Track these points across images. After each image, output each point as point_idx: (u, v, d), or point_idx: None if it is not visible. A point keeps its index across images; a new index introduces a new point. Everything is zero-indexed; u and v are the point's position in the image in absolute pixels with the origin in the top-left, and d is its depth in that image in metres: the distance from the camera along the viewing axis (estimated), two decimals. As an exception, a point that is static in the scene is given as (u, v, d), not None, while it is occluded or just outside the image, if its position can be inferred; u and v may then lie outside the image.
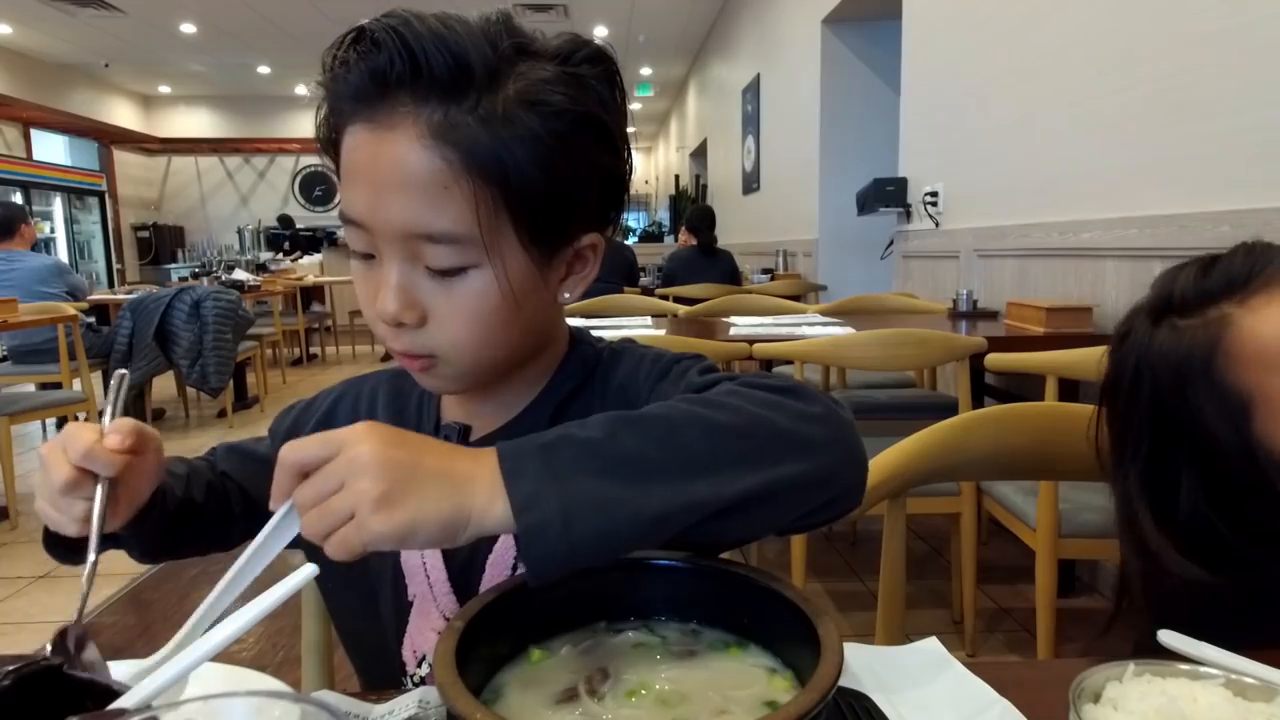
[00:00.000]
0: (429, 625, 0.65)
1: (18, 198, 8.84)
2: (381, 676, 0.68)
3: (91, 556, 0.55)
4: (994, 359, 1.91)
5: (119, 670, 0.45)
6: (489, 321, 0.59)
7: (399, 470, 0.43)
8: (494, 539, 0.65)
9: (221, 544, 0.73)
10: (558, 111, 0.55)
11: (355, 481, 0.43)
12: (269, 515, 0.49)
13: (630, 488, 0.45)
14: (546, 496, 0.44)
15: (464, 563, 0.65)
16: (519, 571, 0.63)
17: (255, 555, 0.48)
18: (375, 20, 0.55)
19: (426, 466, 0.45)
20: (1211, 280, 0.70)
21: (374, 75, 0.54)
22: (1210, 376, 0.67)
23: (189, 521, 0.68)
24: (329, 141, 0.60)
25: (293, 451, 0.45)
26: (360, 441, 0.44)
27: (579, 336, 0.72)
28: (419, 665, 0.66)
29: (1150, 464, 0.73)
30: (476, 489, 0.45)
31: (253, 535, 0.48)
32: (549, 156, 0.55)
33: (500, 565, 0.64)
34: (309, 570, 0.42)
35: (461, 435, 0.67)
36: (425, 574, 0.66)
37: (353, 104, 0.56)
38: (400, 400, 0.74)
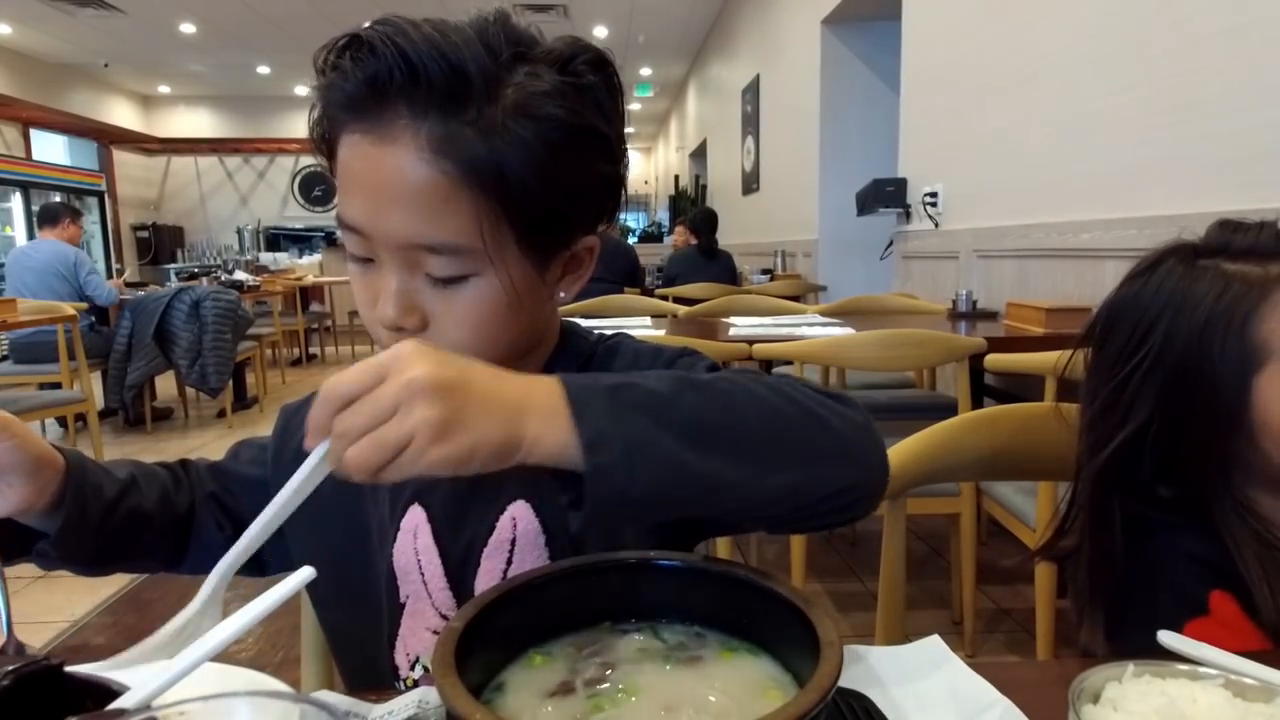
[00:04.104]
0: (423, 625, 0.65)
1: (17, 198, 8.84)
2: (372, 683, 0.68)
3: None
4: (993, 359, 1.91)
5: (120, 670, 0.45)
6: (489, 325, 0.59)
7: (455, 394, 0.42)
8: (489, 532, 0.65)
9: (174, 557, 0.69)
10: (557, 124, 0.55)
11: (412, 408, 0.41)
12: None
13: (691, 450, 0.45)
14: (613, 439, 0.43)
15: (460, 558, 0.65)
16: (513, 570, 0.64)
17: (288, 501, 0.46)
18: (371, 28, 0.54)
19: (479, 390, 0.43)
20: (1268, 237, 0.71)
21: (371, 84, 0.54)
22: (1245, 324, 0.68)
23: (133, 529, 0.65)
24: (323, 141, 0.60)
25: (337, 383, 0.42)
26: (410, 364, 0.42)
27: (569, 329, 0.73)
28: (412, 668, 0.65)
29: (1126, 405, 0.74)
30: (530, 416, 0.44)
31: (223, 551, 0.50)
32: (547, 167, 0.55)
33: (496, 559, 0.64)
34: (307, 573, 0.42)
35: None
36: (420, 571, 0.65)
37: (347, 111, 0.56)
38: None
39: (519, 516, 0.65)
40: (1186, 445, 0.72)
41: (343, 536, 0.70)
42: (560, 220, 0.59)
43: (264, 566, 0.73)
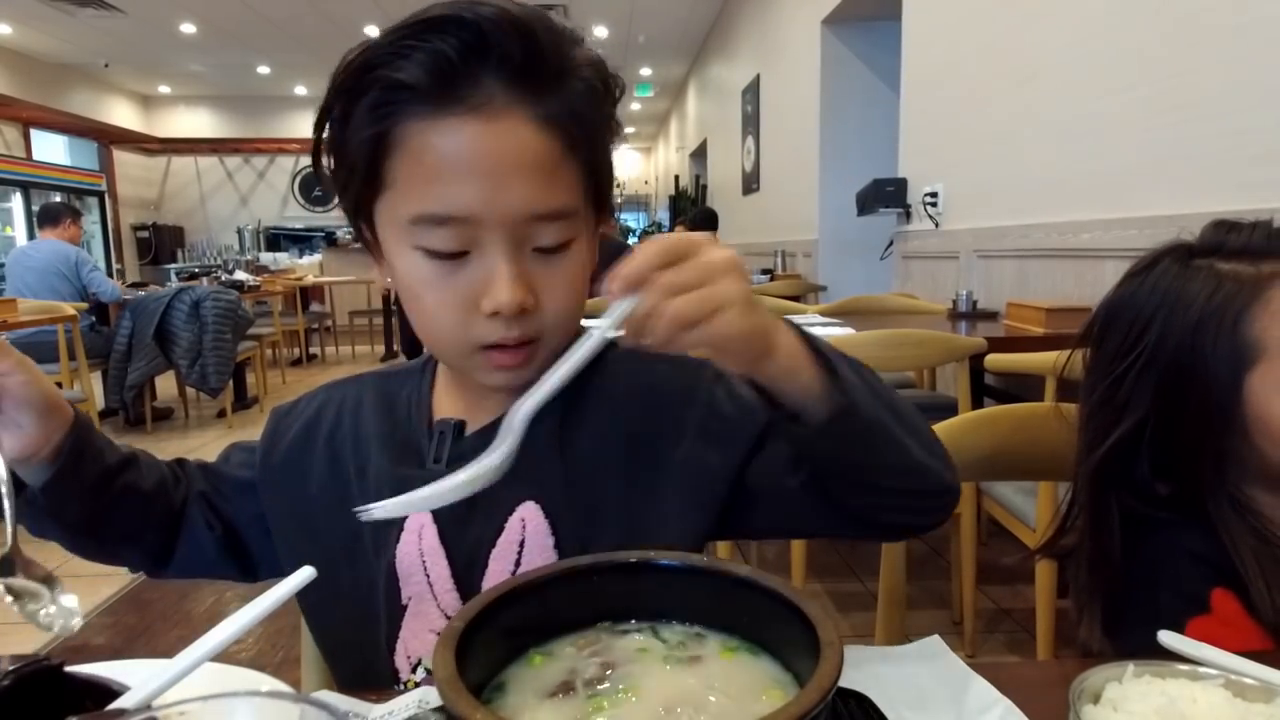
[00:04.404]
0: (426, 627, 0.64)
1: (17, 198, 8.84)
2: (368, 687, 0.67)
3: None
4: (994, 360, 1.91)
5: (119, 670, 0.45)
6: (582, 291, 0.63)
7: (748, 281, 0.49)
8: (497, 533, 0.64)
9: (161, 553, 0.69)
10: (611, 99, 0.62)
11: (728, 279, 0.46)
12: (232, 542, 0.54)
13: (875, 398, 0.55)
14: (842, 366, 0.54)
15: (467, 559, 0.64)
16: (520, 570, 0.64)
17: (588, 344, 0.48)
18: (450, 5, 0.55)
19: None
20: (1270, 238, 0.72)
21: (464, 61, 0.54)
22: (1237, 322, 0.69)
23: (125, 504, 0.64)
24: (369, 141, 0.56)
25: (664, 242, 0.47)
26: (713, 248, 0.47)
27: None
28: (413, 670, 0.65)
29: (1121, 402, 0.75)
30: (780, 331, 0.51)
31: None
32: (608, 136, 0.62)
33: (504, 560, 0.64)
34: (307, 573, 0.42)
35: (456, 431, 0.68)
36: (425, 572, 0.65)
37: (429, 97, 0.54)
38: (388, 400, 0.73)
39: (528, 517, 0.65)
40: (1181, 442, 0.73)
41: (332, 538, 0.68)
42: (607, 189, 0.65)
43: (255, 571, 0.73)
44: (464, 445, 0.67)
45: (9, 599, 0.49)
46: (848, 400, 0.52)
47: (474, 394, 0.69)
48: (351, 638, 0.69)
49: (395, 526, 0.66)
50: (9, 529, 0.52)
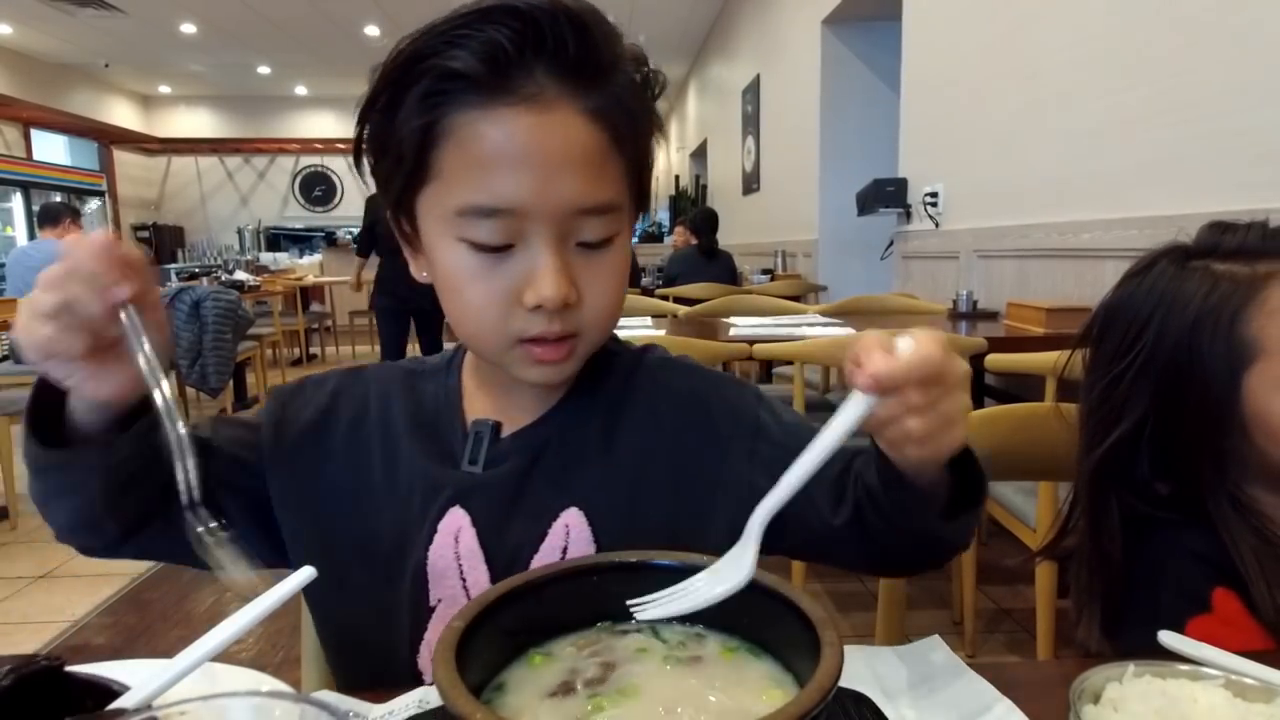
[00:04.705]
0: None
1: (18, 198, 8.85)
2: (377, 688, 0.66)
3: (162, 384, 0.50)
4: (994, 360, 1.91)
5: (120, 670, 0.45)
6: (622, 288, 0.63)
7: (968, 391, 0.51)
8: (539, 539, 0.64)
9: (163, 530, 0.61)
10: (653, 94, 0.62)
11: (957, 396, 0.49)
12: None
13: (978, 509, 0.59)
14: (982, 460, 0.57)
15: (507, 563, 0.63)
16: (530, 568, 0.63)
17: (831, 445, 0.47)
18: None
19: None
20: (1278, 240, 0.72)
21: (519, 47, 0.54)
22: (1233, 322, 0.69)
23: (154, 478, 0.57)
24: (418, 131, 0.55)
25: (920, 353, 0.47)
26: (956, 362, 0.48)
27: None
28: None
29: (1123, 401, 0.75)
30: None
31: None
32: (651, 131, 0.62)
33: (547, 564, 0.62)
34: (307, 573, 0.42)
35: (494, 431, 0.67)
36: (460, 575, 0.64)
37: (481, 86, 0.54)
38: (415, 394, 0.71)
39: (571, 524, 0.64)
40: (1181, 442, 0.73)
41: (349, 531, 0.67)
42: (649, 184, 0.65)
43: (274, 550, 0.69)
44: (501, 448, 0.66)
45: (210, 540, 0.48)
46: (963, 495, 0.56)
47: (507, 394, 0.68)
48: (365, 636, 0.67)
49: (427, 527, 0.65)
50: (191, 479, 0.50)
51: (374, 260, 4.75)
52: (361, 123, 0.60)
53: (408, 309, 4.52)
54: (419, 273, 0.64)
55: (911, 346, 0.47)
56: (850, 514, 0.63)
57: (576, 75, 0.56)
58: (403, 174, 0.58)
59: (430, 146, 0.56)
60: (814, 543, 0.66)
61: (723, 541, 0.65)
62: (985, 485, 0.57)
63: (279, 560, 0.68)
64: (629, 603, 0.48)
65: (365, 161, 0.61)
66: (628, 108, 0.59)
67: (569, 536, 0.64)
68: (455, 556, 0.64)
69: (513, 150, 0.54)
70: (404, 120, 0.56)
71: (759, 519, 0.49)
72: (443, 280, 0.60)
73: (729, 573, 0.47)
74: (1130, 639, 0.70)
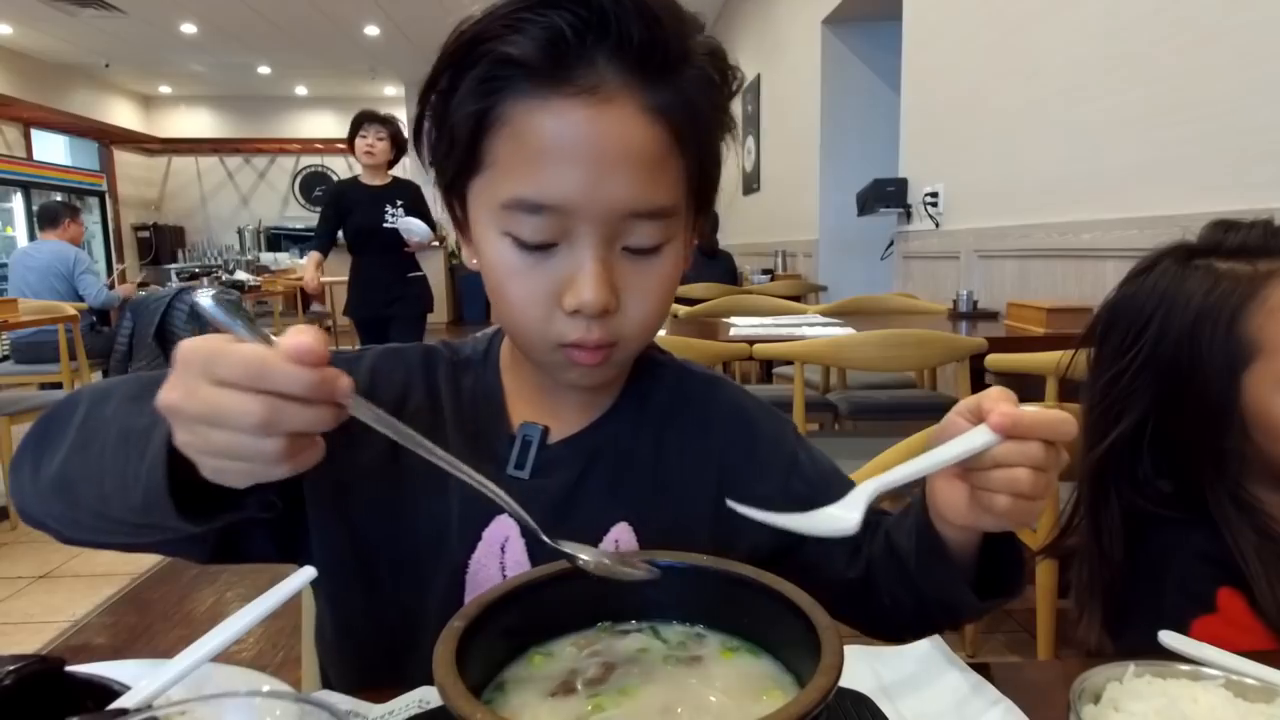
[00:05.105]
0: None
1: (18, 198, 8.84)
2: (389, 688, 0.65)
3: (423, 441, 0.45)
4: (994, 360, 1.91)
5: (119, 670, 0.45)
6: (668, 299, 0.59)
7: None
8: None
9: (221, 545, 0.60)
10: (726, 93, 0.59)
11: (1055, 477, 0.50)
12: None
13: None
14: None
15: None
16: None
17: (949, 449, 0.50)
18: None
19: None
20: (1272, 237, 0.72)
21: (581, 35, 0.51)
22: (1233, 320, 0.70)
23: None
24: (472, 117, 0.53)
25: (1065, 418, 0.49)
26: (1067, 447, 0.50)
27: None
28: None
29: (1128, 398, 0.76)
30: None
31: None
32: (718, 133, 0.59)
33: None
34: (308, 573, 0.42)
35: (541, 436, 0.65)
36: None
37: (540, 73, 0.51)
38: (456, 390, 0.68)
39: (621, 538, 0.63)
40: (1181, 440, 0.73)
41: (385, 531, 0.63)
42: (714, 187, 0.62)
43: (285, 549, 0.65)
44: (549, 454, 0.65)
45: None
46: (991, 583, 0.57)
47: (552, 397, 0.66)
48: (400, 640, 0.63)
49: (470, 533, 0.63)
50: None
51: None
52: (422, 103, 0.58)
53: (382, 319, 4.12)
54: (469, 260, 0.62)
55: (1047, 410, 0.49)
56: (863, 570, 0.63)
57: (642, 67, 0.52)
58: (455, 160, 0.56)
59: (483, 134, 0.54)
60: (820, 589, 0.65)
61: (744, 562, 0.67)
62: (1022, 579, 0.59)
63: (285, 558, 0.64)
64: (730, 502, 0.50)
65: (424, 143, 0.59)
66: (695, 105, 0.55)
67: (618, 549, 0.62)
68: (500, 566, 0.62)
69: (565, 144, 0.52)
70: (459, 105, 0.54)
71: (869, 489, 0.50)
72: (487, 273, 0.58)
73: (831, 523, 0.49)
74: (1133, 638, 0.70)
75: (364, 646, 0.66)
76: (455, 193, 0.60)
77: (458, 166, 0.57)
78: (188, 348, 0.41)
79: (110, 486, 0.48)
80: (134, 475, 0.46)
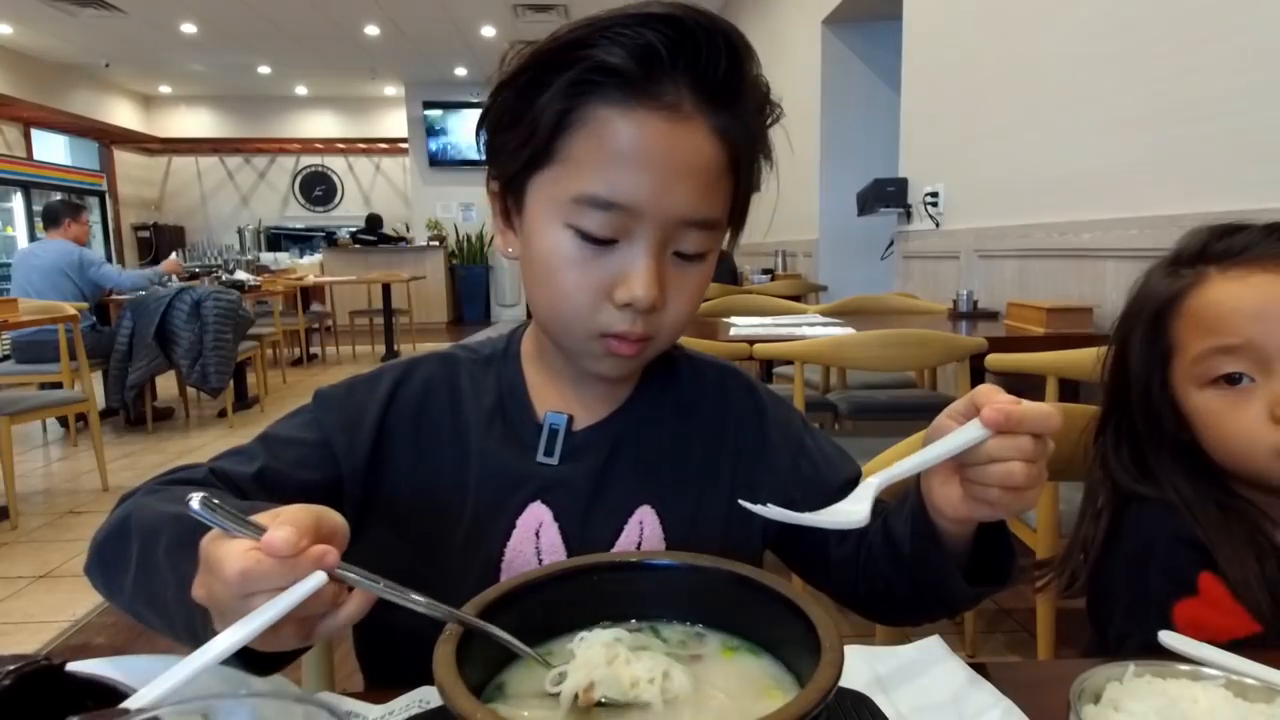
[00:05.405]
0: None
1: (18, 198, 8.85)
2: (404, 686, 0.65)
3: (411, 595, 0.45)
4: (994, 359, 1.91)
5: (122, 668, 0.45)
6: (699, 304, 0.64)
7: None
8: (615, 534, 0.66)
9: None
10: (770, 124, 0.64)
11: (1044, 463, 0.53)
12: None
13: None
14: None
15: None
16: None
17: (945, 443, 0.52)
18: (668, 5, 0.56)
19: None
20: (1220, 244, 0.75)
21: (673, 57, 0.56)
22: (1164, 321, 0.75)
23: None
24: (556, 115, 0.57)
25: (1053, 412, 0.52)
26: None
27: None
28: None
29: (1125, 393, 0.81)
30: None
31: None
32: (759, 158, 0.64)
33: None
34: (318, 578, 0.42)
35: (567, 424, 0.68)
36: None
37: (630, 82, 0.56)
38: (479, 387, 0.71)
39: (645, 520, 0.67)
40: (1131, 431, 0.79)
41: (421, 529, 0.66)
42: (746, 209, 0.66)
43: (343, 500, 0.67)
44: (575, 441, 0.68)
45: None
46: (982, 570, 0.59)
47: (575, 388, 0.70)
48: (424, 632, 0.64)
49: (505, 521, 0.66)
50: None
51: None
52: (496, 95, 0.62)
53: None
54: (505, 248, 0.66)
55: (1035, 404, 0.52)
56: (850, 551, 0.67)
57: (717, 94, 0.58)
58: (528, 151, 0.60)
59: (561, 131, 0.58)
60: (808, 566, 0.72)
61: (757, 549, 0.71)
62: (1013, 568, 0.60)
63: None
64: (743, 502, 0.53)
65: (484, 136, 0.63)
66: (750, 132, 0.61)
67: (643, 533, 0.66)
68: (535, 551, 0.65)
69: (641, 150, 0.56)
70: (545, 102, 0.58)
71: (875, 483, 0.53)
72: (537, 261, 0.61)
73: (843, 517, 0.51)
74: (1120, 624, 0.72)
75: (403, 643, 0.65)
76: (514, 183, 0.63)
77: (529, 158, 0.60)
78: (203, 547, 0.43)
79: (185, 638, 0.48)
80: (201, 640, 0.45)
